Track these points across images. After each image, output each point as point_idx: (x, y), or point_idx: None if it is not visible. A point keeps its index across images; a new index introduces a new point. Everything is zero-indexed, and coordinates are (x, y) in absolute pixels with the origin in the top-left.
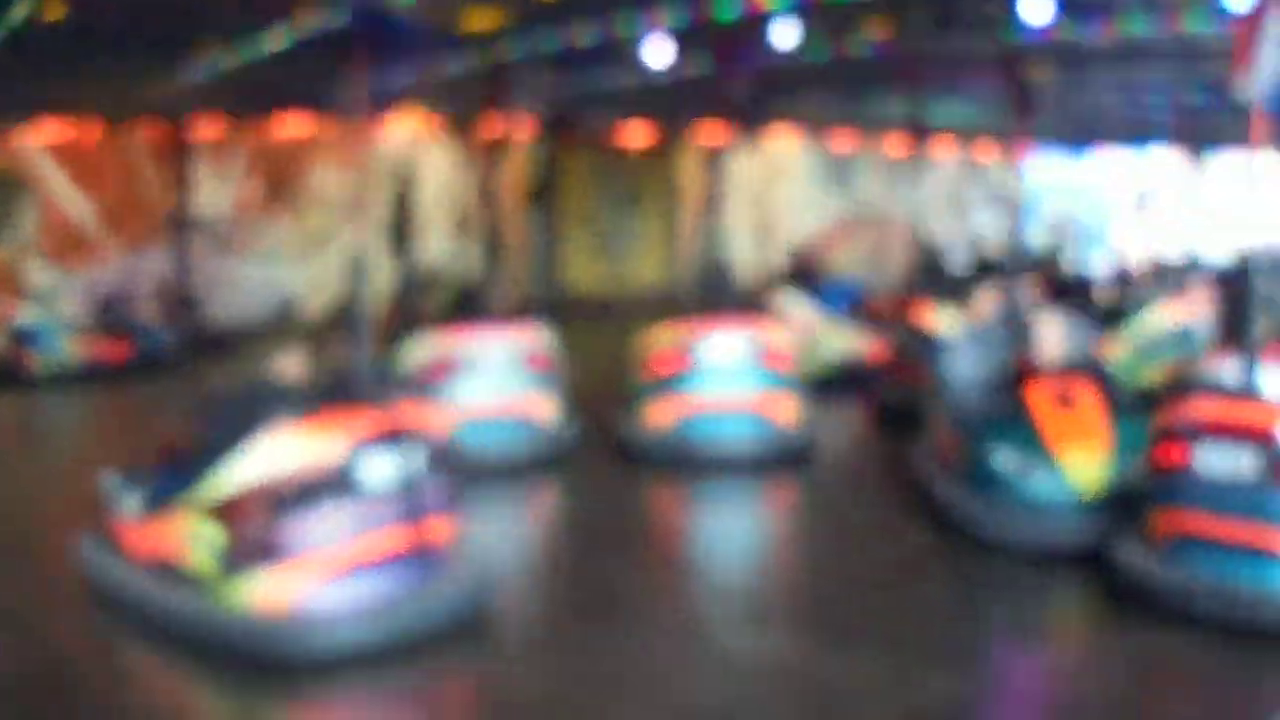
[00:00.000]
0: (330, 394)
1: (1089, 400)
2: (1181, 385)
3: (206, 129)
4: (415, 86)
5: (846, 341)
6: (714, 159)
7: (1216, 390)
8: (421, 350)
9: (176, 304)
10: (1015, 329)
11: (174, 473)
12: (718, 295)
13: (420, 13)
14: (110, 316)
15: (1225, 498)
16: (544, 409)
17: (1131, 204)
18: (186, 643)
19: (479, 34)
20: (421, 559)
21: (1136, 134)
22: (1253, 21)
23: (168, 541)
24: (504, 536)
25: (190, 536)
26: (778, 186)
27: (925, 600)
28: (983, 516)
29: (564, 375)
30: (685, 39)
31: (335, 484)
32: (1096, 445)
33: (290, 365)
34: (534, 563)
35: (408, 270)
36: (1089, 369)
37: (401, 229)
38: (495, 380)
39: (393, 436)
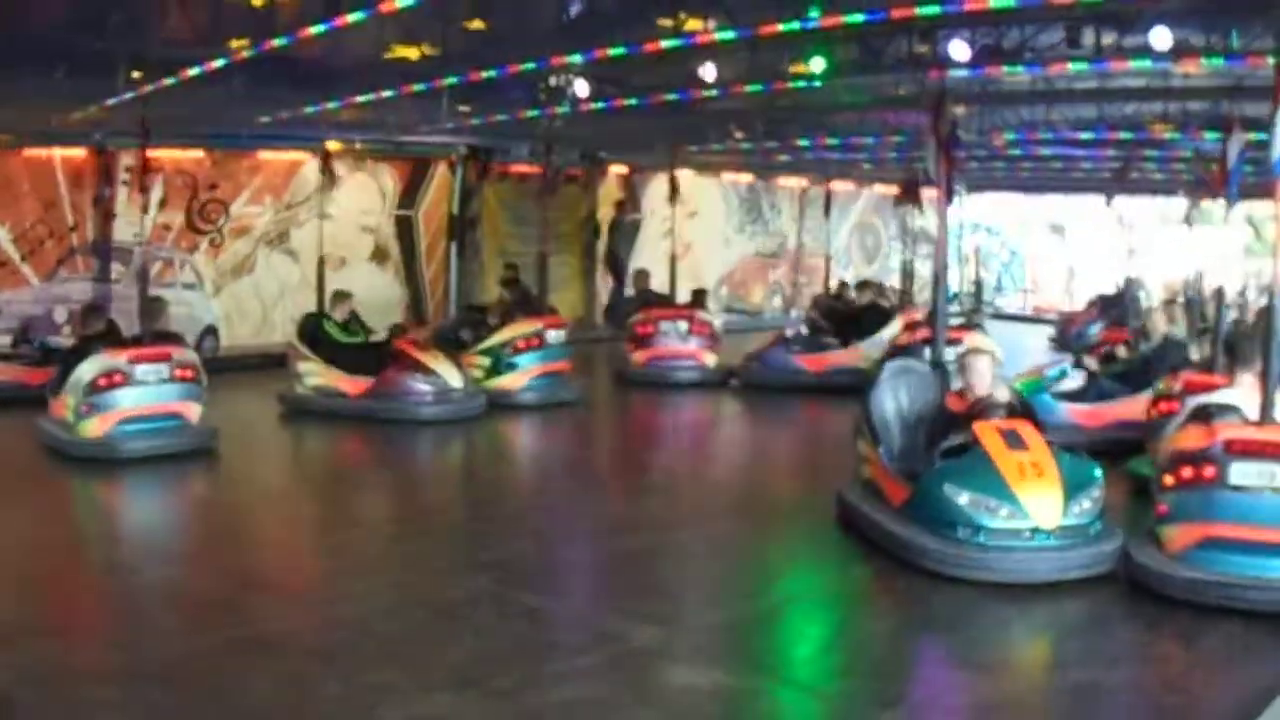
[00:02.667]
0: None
1: (1035, 440)
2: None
3: (127, 155)
4: (337, 115)
5: None
6: (631, 192)
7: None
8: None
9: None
10: (941, 365)
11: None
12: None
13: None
14: (28, 342)
15: (1257, 507)
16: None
17: (1046, 238)
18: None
19: (402, 64)
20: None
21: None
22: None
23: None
24: None
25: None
26: (693, 221)
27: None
28: (944, 553)
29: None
30: (606, 72)
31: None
32: (1052, 484)
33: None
34: None
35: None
36: (1019, 406)
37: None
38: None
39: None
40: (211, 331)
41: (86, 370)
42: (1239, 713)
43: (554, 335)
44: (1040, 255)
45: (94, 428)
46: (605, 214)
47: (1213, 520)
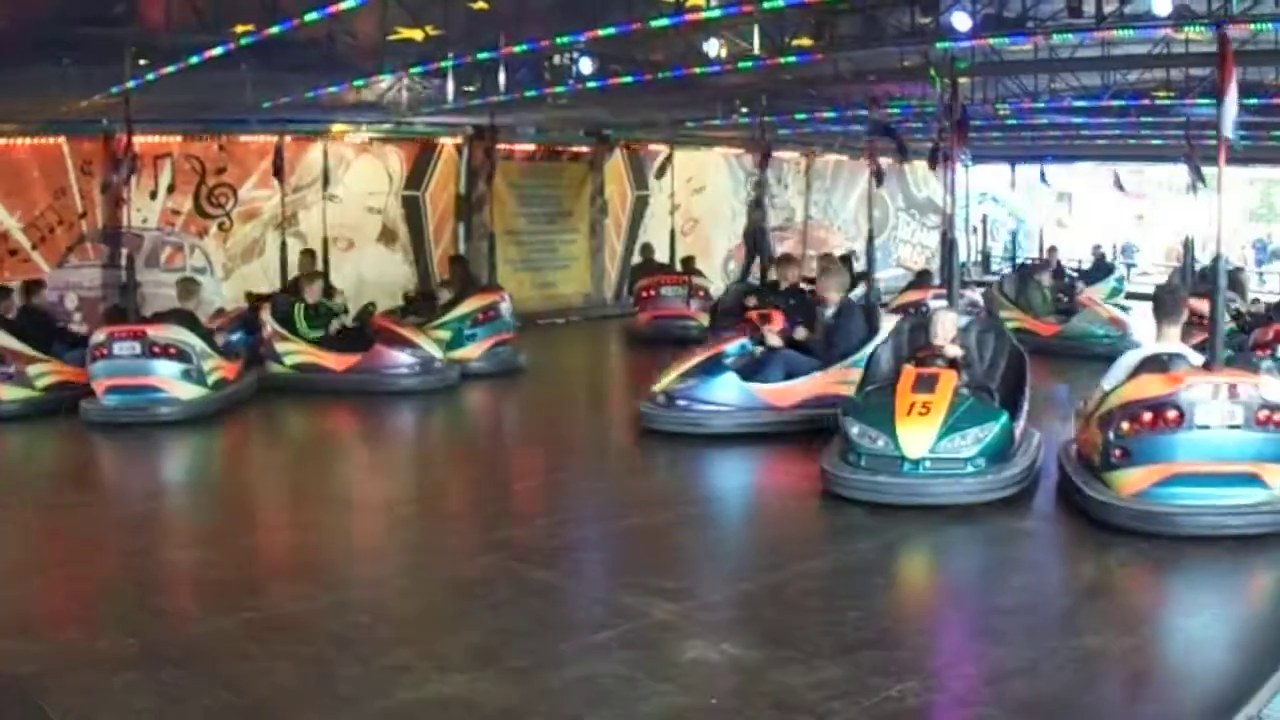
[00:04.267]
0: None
1: (945, 387)
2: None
3: (136, 142)
4: (346, 98)
5: None
6: (639, 170)
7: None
8: None
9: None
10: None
11: None
12: None
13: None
14: None
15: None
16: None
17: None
18: None
19: (406, 45)
20: None
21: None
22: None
23: None
24: None
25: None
26: (700, 196)
27: None
28: (845, 478)
29: None
30: (613, 50)
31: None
32: (930, 421)
33: None
34: None
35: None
36: (964, 362)
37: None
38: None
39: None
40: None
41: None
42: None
43: (505, 308)
44: (1047, 223)
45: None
46: (612, 190)
47: (1175, 460)
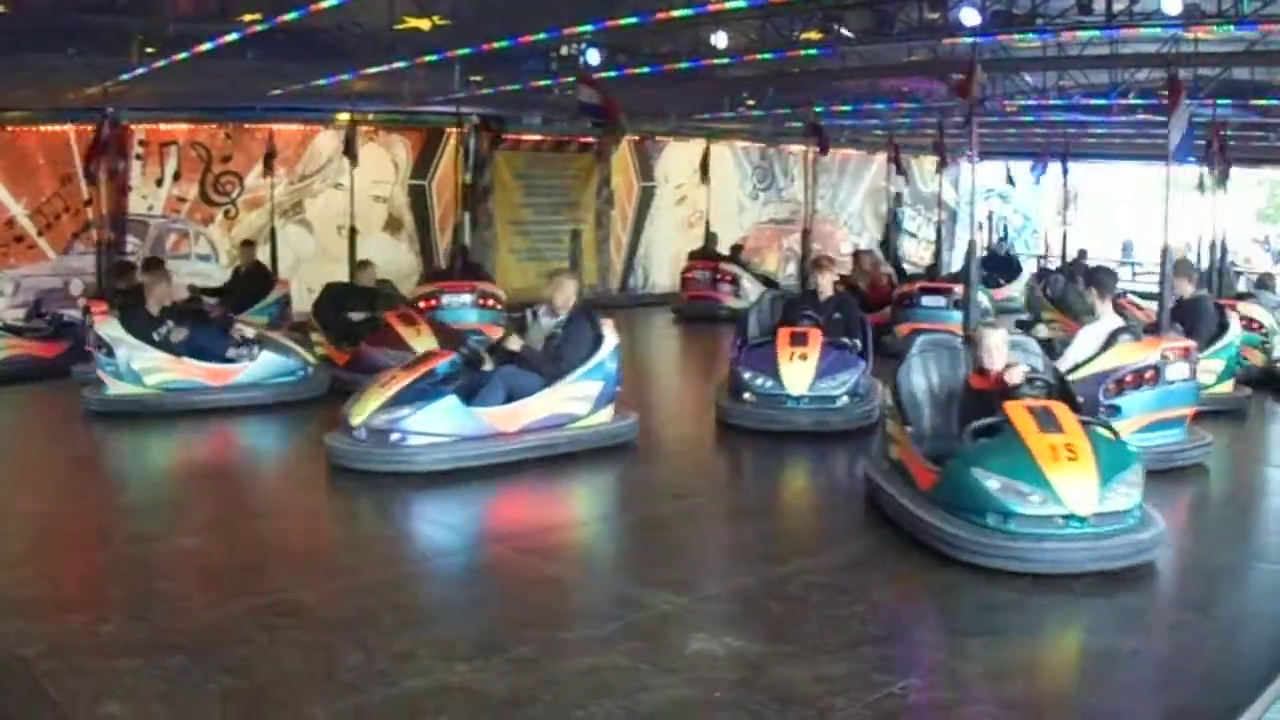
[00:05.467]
0: None
1: (1069, 420)
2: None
3: (140, 129)
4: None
5: None
6: (645, 161)
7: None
8: None
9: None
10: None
11: None
12: None
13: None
14: (43, 315)
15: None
16: None
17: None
18: None
19: (414, 35)
20: None
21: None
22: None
23: None
24: None
25: None
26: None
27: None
28: (974, 542)
29: None
30: (621, 41)
31: None
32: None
33: None
34: None
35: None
36: (1056, 385)
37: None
38: None
39: None
40: None
41: None
42: None
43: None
44: (1053, 221)
45: None
46: (619, 181)
47: (1154, 410)
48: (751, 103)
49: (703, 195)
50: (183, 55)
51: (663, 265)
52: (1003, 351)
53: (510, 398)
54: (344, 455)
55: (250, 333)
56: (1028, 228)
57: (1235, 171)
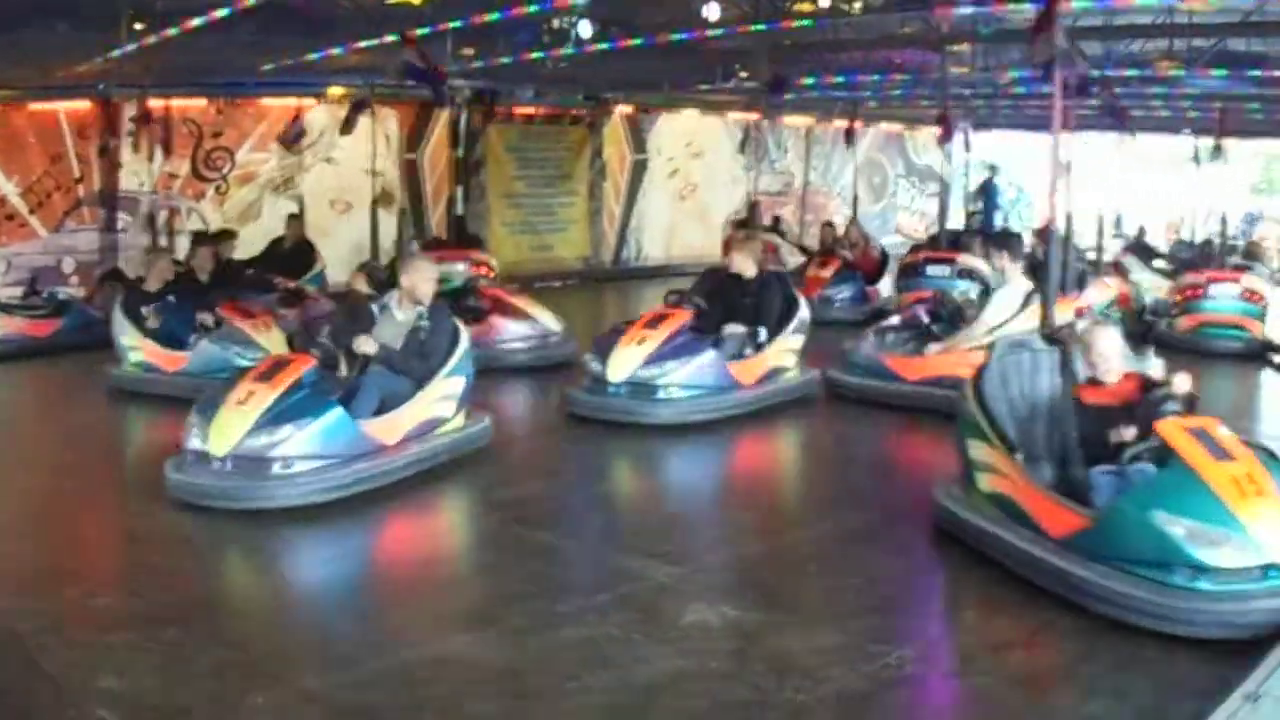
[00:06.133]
0: None
1: (1234, 444)
2: None
3: (131, 105)
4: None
5: None
6: (638, 133)
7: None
8: None
9: (103, 281)
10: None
11: None
12: None
13: None
14: (36, 293)
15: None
16: None
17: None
18: None
19: (405, 8)
20: None
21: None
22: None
23: None
24: None
25: None
26: (699, 161)
27: None
28: (1159, 604)
29: None
30: (612, 13)
31: None
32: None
33: None
34: None
35: None
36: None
37: None
38: None
39: None
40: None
41: None
42: None
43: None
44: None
45: None
46: (611, 154)
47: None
48: (745, 75)
49: (696, 168)
50: (173, 30)
51: (655, 238)
52: (1115, 358)
53: (383, 405)
54: (186, 491)
55: (210, 321)
56: (1022, 199)
57: (1230, 144)
